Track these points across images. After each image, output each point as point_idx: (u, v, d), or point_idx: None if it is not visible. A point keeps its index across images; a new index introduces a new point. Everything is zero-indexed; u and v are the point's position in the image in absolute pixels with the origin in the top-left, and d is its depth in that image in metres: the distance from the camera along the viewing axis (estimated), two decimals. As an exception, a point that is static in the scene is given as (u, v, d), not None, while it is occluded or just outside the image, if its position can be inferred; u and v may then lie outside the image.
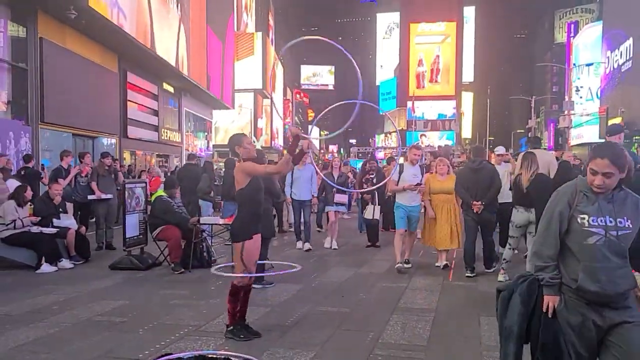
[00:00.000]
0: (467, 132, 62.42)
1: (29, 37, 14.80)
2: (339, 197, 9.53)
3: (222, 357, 3.85)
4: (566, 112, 35.85)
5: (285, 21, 71.67)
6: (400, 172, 7.27)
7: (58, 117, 16.06)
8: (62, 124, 16.48)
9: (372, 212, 9.49)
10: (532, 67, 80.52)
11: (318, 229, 11.66)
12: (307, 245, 9.13)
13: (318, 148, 79.54)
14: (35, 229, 7.29)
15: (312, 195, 9.38)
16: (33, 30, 14.85)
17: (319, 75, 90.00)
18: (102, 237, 9.03)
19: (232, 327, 4.47)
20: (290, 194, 9.21)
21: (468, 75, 63.30)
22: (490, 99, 58.70)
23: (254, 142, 40.00)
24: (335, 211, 9.57)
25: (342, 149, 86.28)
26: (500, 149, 9.08)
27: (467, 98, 62.98)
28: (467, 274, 6.79)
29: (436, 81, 57.96)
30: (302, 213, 9.29)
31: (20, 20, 14.54)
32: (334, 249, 9.26)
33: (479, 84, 65.60)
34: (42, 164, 11.66)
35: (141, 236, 7.80)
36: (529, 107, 53.80)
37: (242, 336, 4.41)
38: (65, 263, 7.31)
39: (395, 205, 7.27)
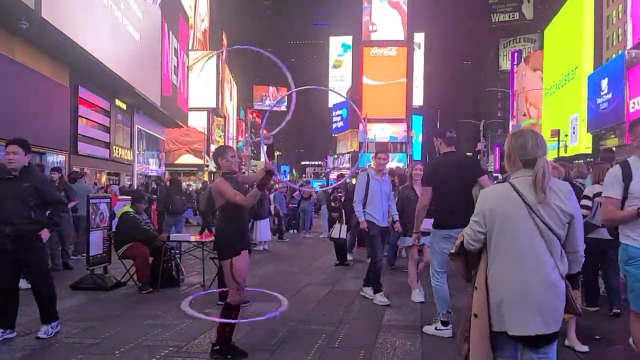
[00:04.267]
0: (417, 154, 63.93)
1: (-24, 47, 14.08)
2: (426, 224, 6.26)
3: (214, 378, 3.67)
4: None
5: (238, 42, 71.62)
6: (628, 178, 3.50)
7: (4, 131, 15.24)
8: (6, 138, 15.65)
9: (339, 231, 9.40)
10: (478, 92, 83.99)
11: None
12: (382, 299, 6.23)
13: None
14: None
15: (394, 219, 6.68)
16: (-19, 40, 14.14)
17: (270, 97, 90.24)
18: (54, 258, 8.52)
19: (218, 347, 4.27)
20: (365, 216, 6.32)
21: (418, 99, 65.18)
22: (439, 123, 60.54)
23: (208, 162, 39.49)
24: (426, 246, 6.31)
25: (294, 170, 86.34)
26: None
27: (417, 121, 64.73)
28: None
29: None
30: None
31: (-32, 29, 13.83)
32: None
33: (429, 108, 67.62)
34: None
35: (105, 254, 7.40)
36: (476, 131, 55.86)
37: (229, 356, 4.21)
38: (22, 283, 6.77)
39: (624, 252, 3.51)
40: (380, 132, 57.20)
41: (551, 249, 2.54)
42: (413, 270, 6.64)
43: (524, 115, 51.07)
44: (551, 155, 32.00)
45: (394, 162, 56.38)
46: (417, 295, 6.43)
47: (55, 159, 19.68)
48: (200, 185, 14.51)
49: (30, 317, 5.39)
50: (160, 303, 6.25)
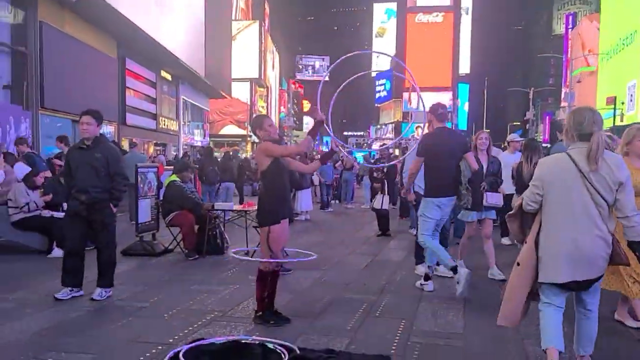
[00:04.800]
0: (462, 123, 62.47)
1: (29, 20, 14.51)
2: (492, 198, 5.90)
3: (257, 342, 3.77)
4: (565, 104, 35.83)
5: (281, 10, 71.07)
6: None
7: (57, 102, 15.80)
8: (61, 109, 16.22)
9: (381, 202, 9.34)
10: (528, 59, 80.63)
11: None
12: (423, 268, 5.79)
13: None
14: (46, 213, 7.12)
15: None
16: (33, 13, 14.55)
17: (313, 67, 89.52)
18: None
19: (261, 313, 4.37)
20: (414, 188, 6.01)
21: (465, 67, 63.26)
22: (486, 91, 58.69)
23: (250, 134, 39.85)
24: (489, 219, 6.10)
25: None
26: (514, 136, 9.04)
27: (464, 89, 63.01)
28: None
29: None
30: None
31: (20, 3, 14.24)
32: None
33: (476, 76, 65.57)
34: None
35: (153, 222, 7.65)
36: (525, 99, 53.92)
37: (272, 322, 4.30)
38: (57, 252, 7.09)
39: None
40: (424, 101, 56.02)
41: (600, 210, 2.96)
42: (465, 241, 6.29)
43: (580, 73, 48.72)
44: (606, 124, 30.59)
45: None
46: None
47: (105, 129, 20.31)
48: (231, 153, 14.78)
49: (85, 280, 5.66)
50: (206, 269, 6.43)
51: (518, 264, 3.18)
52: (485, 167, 6.00)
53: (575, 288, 3.08)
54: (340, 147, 4.48)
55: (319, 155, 18.74)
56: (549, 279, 3.06)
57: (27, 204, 6.98)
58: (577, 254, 2.96)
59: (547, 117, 58.02)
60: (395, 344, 3.88)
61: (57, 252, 6.82)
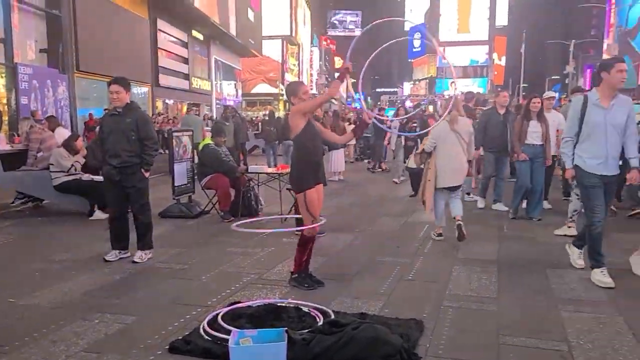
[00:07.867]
0: (499, 78, 60.53)
1: (61, -18, 14.56)
2: None
3: (292, 305, 3.86)
4: (607, 56, 34.12)
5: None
6: None
7: (92, 65, 16.02)
8: (96, 72, 16.45)
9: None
10: (568, 9, 76.66)
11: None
12: (605, 279, 4.33)
13: (345, 97, 78.11)
14: (86, 177, 7.34)
15: (630, 165, 4.36)
16: (65, -25, 14.58)
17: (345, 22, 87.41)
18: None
19: (296, 275, 4.45)
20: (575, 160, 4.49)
21: (502, 19, 60.82)
22: (524, 44, 56.37)
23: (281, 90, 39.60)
24: None
25: (369, 98, 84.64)
26: (550, 93, 8.65)
27: (500, 43, 60.74)
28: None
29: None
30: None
31: (52, -35, 14.27)
32: None
33: (513, 29, 62.93)
34: (90, 113, 12.20)
35: (189, 184, 7.80)
36: (564, 52, 51.60)
37: (306, 285, 4.39)
38: (99, 213, 7.30)
39: None
40: (459, 56, 54.45)
41: None
42: None
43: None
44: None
45: (474, 87, 54.03)
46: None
47: (139, 90, 20.54)
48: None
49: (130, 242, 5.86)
50: (241, 232, 6.52)
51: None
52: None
53: None
54: (368, 114, 4.39)
55: (351, 114, 18.55)
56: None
57: (73, 165, 7.22)
58: None
59: (589, 69, 55.57)
60: (428, 308, 3.91)
61: (99, 214, 7.08)
